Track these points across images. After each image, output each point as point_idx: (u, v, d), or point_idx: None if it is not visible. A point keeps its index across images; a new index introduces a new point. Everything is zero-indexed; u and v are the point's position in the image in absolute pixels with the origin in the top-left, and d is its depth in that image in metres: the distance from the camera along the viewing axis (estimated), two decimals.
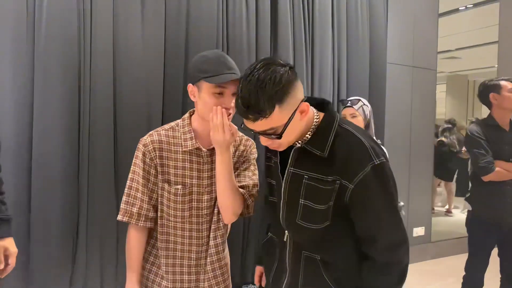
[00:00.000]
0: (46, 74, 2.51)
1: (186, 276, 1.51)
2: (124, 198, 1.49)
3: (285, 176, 1.23)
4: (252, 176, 1.53)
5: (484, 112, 2.82)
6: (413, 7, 4.27)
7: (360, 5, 3.89)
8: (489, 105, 2.66)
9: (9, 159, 2.39)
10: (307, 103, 1.16)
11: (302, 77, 3.66)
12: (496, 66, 4.88)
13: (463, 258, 2.77)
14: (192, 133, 1.46)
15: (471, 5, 5.90)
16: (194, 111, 1.52)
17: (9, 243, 1.64)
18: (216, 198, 1.48)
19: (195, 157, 1.47)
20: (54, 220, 2.55)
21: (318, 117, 1.22)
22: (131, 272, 1.50)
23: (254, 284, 3.17)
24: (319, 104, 1.28)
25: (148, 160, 1.45)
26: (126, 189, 1.50)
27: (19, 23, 2.43)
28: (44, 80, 2.50)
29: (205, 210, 1.49)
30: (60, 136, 2.56)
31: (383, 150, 1.21)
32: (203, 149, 1.46)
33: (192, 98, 1.45)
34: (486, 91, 2.64)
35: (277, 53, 3.41)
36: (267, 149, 1.36)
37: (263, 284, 1.53)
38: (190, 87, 1.44)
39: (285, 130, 1.12)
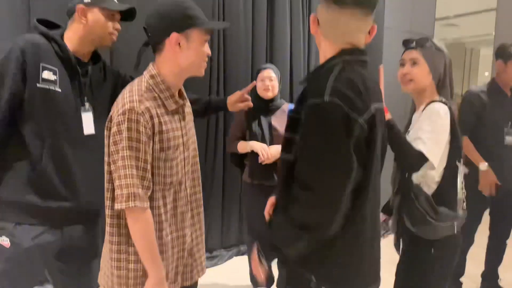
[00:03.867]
0: None
1: (184, 238, 1.45)
2: (125, 181, 1.24)
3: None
4: None
5: (480, 81, 2.85)
6: None
7: None
8: (502, 66, 2.63)
9: None
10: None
11: (298, 44, 3.67)
12: (494, 33, 4.88)
13: None
14: (171, 90, 1.36)
15: None
16: (154, 64, 1.38)
17: None
18: (192, 150, 1.49)
19: (176, 115, 1.39)
20: None
21: None
22: (157, 265, 1.30)
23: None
24: None
25: (149, 131, 1.27)
26: (125, 170, 1.24)
27: None
28: None
29: (187, 167, 1.45)
30: None
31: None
32: (184, 106, 1.42)
33: (175, 48, 1.31)
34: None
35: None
36: None
37: None
38: (175, 36, 1.29)
39: None
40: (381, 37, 4.05)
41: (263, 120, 2.56)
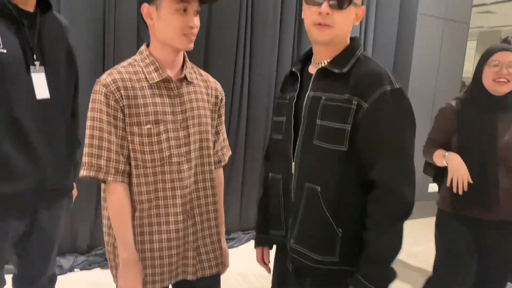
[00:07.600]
0: None
1: (173, 225, 1.34)
2: (86, 150, 1.25)
3: (305, 101, 1.25)
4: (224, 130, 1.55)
5: None
6: None
7: None
8: None
9: None
10: (364, 10, 1.25)
11: None
12: None
13: None
14: (156, 63, 1.30)
15: None
16: (149, 43, 1.35)
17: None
18: (194, 133, 1.37)
19: (164, 90, 1.31)
20: None
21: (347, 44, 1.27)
22: (129, 247, 1.27)
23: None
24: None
25: (112, 102, 1.24)
26: (86, 139, 1.25)
27: None
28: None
29: (184, 148, 1.34)
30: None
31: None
32: (173, 79, 1.33)
33: (148, 21, 1.28)
34: None
35: None
36: (281, 88, 1.42)
37: (268, 263, 1.52)
38: (146, 7, 1.26)
39: (349, 3, 1.16)
40: (414, 23, 3.91)
41: None
